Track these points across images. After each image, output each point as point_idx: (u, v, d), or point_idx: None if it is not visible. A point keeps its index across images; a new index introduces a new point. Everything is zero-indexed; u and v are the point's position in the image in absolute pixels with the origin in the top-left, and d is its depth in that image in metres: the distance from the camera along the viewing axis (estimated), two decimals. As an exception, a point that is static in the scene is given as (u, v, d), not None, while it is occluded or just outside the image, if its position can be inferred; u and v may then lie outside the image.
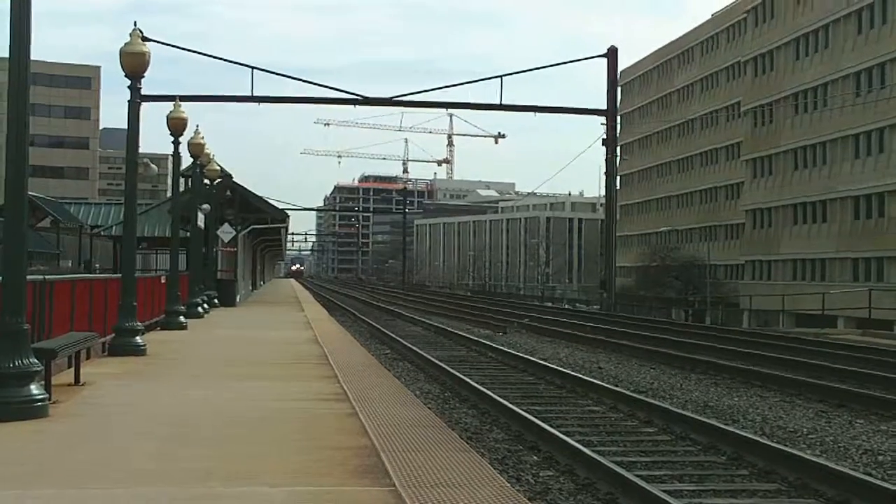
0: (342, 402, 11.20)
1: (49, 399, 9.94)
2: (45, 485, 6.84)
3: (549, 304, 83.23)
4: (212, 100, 49.82)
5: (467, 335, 30.99)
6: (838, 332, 41.18)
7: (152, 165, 44.23)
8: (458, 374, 18.68)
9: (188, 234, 33.00)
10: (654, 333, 33.64)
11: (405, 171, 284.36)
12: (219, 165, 35.35)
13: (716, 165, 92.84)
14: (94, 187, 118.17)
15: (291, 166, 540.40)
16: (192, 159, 30.28)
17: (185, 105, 24.46)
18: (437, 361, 21.29)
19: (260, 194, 47.05)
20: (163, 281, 25.81)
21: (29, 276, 10.77)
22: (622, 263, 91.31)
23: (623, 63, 71.06)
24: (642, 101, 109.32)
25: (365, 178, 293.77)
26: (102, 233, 53.06)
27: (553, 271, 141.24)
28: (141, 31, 17.02)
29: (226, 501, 6.48)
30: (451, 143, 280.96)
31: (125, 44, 16.68)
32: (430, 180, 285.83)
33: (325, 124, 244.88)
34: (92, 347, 15.02)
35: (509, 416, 13.76)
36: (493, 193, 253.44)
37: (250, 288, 55.92)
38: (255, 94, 45.33)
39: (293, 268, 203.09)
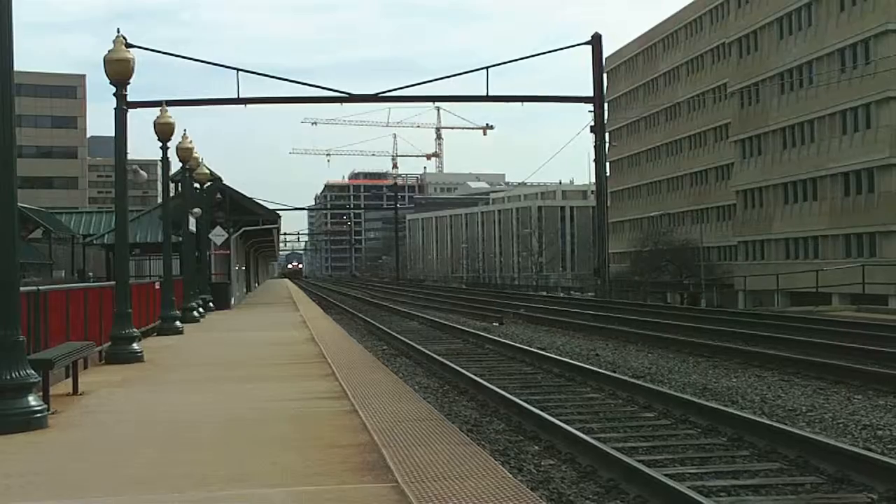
0: (341, 399, 11.20)
1: (48, 410, 9.93)
2: (46, 496, 6.83)
3: (545, 293, 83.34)
4: (198, 103, 49.80)
5: (464, 328, 31.00)
6: (833, 308, 41.24)
7: (142, 172, 44.15)
8: (456, 367, 18.67)
9: (180, 238, 32.96)
10: (650, 318, 33.68)
11: (395, 166, 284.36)
12: (208, 169, 35.31)
13: (705, 148, 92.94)
14: (84, 196, 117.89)
15: (281, 167, 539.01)
16: (180, 164, 30.24)
17: (172, 110, 24.43)
18: (434, 355, 21.28)
19: (250, 196, 47.06)
20: (157, 287, 25.78)
21: (22, 288, 10.76)
22: (615, 249, 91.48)
23: (608, 49, 71.18)
24: (629, 87, 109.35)
25: (355, 176, 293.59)
26: (94, 241, 52.97)
27: (547, 260, 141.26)
28: (124, 38, 16.97)
29: (228, 504, 6.49)
30: (439, 137, 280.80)
31: (109, 51, 16.63)
32: (420, 175, 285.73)
33: (312, 123, 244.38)
34: (89, 356, 15.00)
35: (509, 406, 13.76)
36: (483, 185, 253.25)
37: (244, 290, 55.85)
38: (241, 96, 45.35)
39: (289, 266, 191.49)
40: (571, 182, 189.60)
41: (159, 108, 23.78)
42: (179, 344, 21.10)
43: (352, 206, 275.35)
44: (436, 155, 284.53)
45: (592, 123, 52.10)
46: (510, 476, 7.22)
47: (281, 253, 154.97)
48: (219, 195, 41.41)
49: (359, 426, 9.23)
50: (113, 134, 17.60)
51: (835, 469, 9.40)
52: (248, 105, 47.03)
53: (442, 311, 44.24)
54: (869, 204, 62.48)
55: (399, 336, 27.67)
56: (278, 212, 57.11)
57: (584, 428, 12.00)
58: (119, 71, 16.63)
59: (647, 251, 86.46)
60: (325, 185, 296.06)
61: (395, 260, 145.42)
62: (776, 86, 72.89)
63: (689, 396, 14.16)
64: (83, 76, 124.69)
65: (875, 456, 9.62)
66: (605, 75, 61.11)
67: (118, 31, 16.85)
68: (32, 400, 9.57)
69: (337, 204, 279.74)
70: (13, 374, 9.34)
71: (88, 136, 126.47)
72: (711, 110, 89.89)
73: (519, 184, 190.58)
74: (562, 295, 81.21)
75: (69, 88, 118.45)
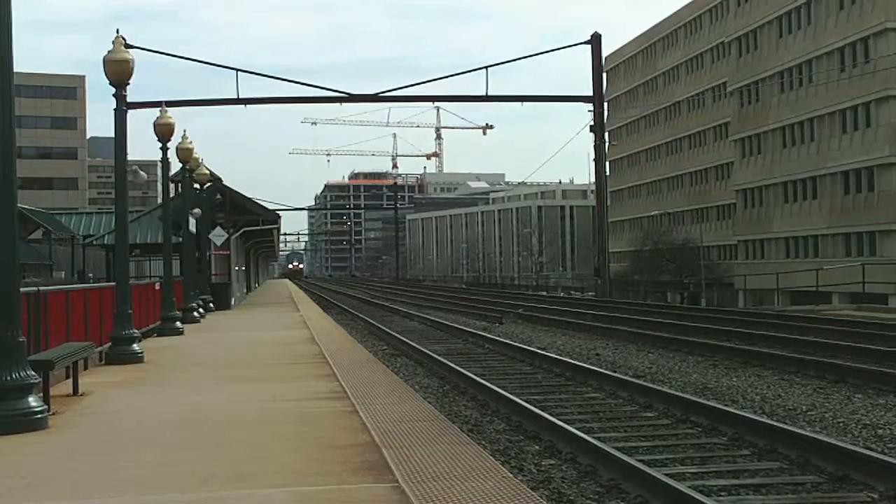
0: (341, 399, 11.20)
1: (48, 411, 9.92)
2: (47, 497, 6.83)
3: (545, 293, 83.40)
4: (198, 104, 49.81)
5: (464, 328, 31.00)
6: (833, 307, 41.23)
7: (141, 172, 44.05)
8: (456, 366, 18.67)
9: (180, 239, 32.94)
10: (651, 317, 33.68)
11: (395, 166, 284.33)
12: (208, 169, 35.28)
13: (704, 147, 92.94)
14: (84, 197, 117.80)
15: (281, 167, 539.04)
16: (180, 164, 30.24)
17: (171, 110, 24.42)
18: (434, 355, 21.29)
19: (250, 196, 47.08)
20: (157, 287, 25.78)
21: (22, 289, 10.76)
22: (615, 249, 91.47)
23: (608, 48, 71.21)
24: (628, 86, 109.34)
25: (354, 176, 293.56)
26: (94, 242, 52.91)
27: (547, 260, 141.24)
28: (124, 39, 16.96)
29: (228, 505, 6.49)
30: (439, 137, 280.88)
31: (108, 51, 16.62)
32: (420, 175, 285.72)
33: (312, 123, 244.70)
34: (89, 357, 14.99)
35: (509, 406, 13.76)
36: (483, 185, 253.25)
37: (245, 290, 55.85)
38: (240, 96, 45.39)
39: (290, 266, 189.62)
40: (571, 182, 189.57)
41: (159, 109, 23.77)
42: (180, 344, 21.09)
43: (352, 206, 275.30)
44: (436, 155, 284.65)
45: (592, 123, 52.13)
46: (510, 476, 7.22)
47: (281, 253, 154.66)
48: (218, 196, 41.41)
49: (359, 426, 9.23)
50: (113, 134, 17.60)
51: (835, 468, 9.40)
52: (247, 105, 47.11)
53: (442, 311, 44.24)
54: (869, 203, 62.47)
55: (399, 336, 27.66)
56: (278, 212, 57.14)
57: (584, 428, 12.00)
58: (118, 71, 16.62)
59: (647, 250, 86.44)
60: (325, 185, 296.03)
61: (395, 260, 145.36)
62: (776, 85, 72.89)
63: (689, 396, 14.16)
64: (83, 77, 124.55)
65: (875, 455, 9.62)
66: (604, 74, 61.19)
67: (117, 32, 16.85)
68: (33, 401, 9.56)
69: (337, 204, 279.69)
70: (13, 375, 9.34)
71: (88, 136, 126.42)
72: (711, 109, 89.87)
73: (519, 183, 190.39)
74: (562, 294, 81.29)
75: (69, 89, 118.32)
